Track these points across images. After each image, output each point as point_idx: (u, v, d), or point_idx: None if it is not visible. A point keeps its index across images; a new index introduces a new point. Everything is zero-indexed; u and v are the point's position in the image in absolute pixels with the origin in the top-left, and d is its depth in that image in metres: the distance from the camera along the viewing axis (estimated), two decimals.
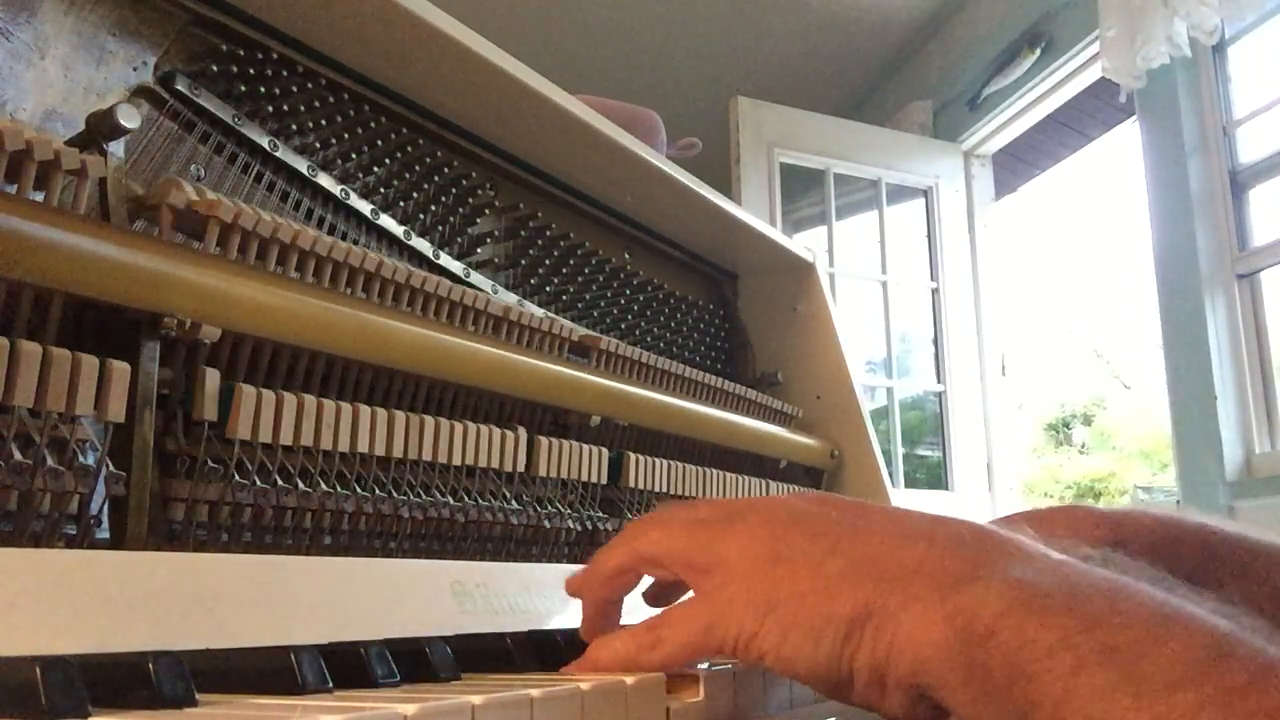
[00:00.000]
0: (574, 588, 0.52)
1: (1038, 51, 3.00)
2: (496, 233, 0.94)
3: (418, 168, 0.85)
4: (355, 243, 0.77)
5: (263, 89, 0.71)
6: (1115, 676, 0.32)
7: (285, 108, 0.73)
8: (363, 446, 0.61)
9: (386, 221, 0.81)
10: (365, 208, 0.79)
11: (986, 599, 0.36)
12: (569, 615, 0.64)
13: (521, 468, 0.73)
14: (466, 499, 0.70)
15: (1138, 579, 0.36)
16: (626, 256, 1.13)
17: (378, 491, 0.62)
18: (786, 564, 0.42)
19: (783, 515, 0.45)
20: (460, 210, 0.89)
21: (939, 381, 3.27)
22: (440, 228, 0.87)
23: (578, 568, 0.52)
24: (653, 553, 0.48)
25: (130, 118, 0.55)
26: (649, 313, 1.14)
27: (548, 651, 0.55)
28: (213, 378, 0.54)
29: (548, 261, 1.00)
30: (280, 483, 0.57)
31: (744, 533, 0.45)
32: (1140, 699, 0.31)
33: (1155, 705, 0.31)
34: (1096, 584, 0.36)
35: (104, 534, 0.49)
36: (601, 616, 0.52)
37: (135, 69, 0.63)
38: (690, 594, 0.47)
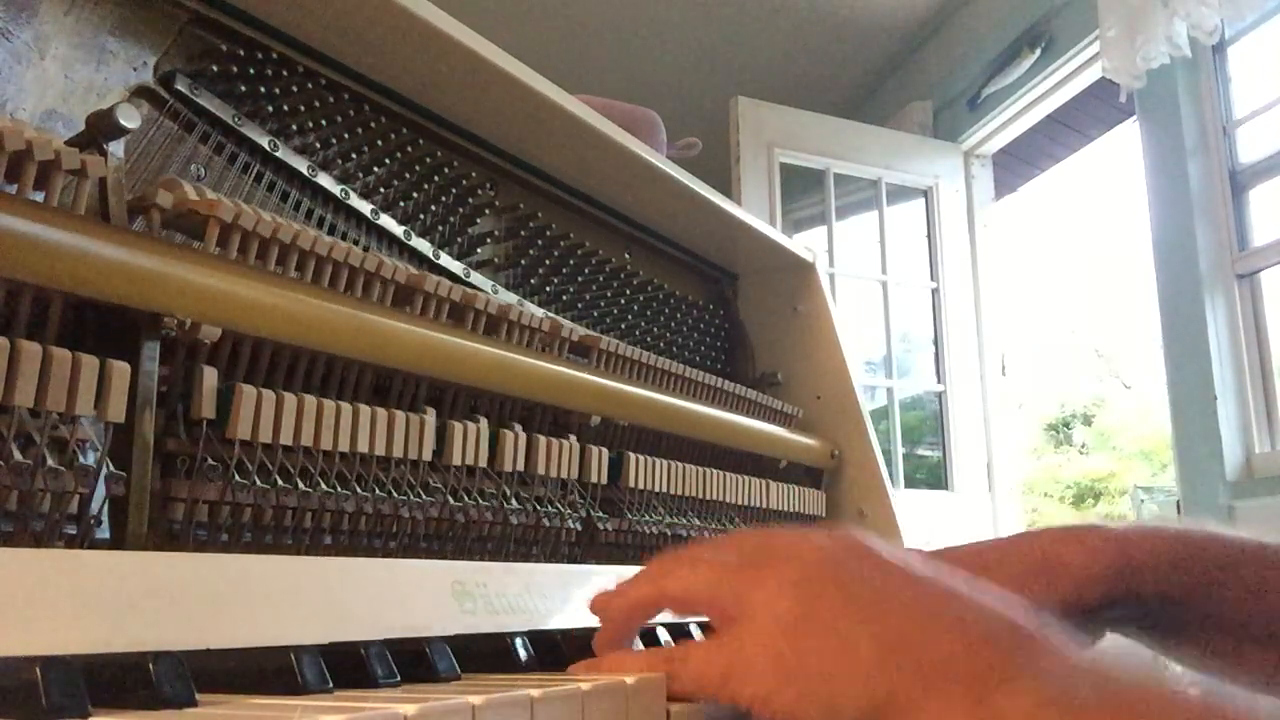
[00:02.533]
0: (596, 607, 0.52)
1: (1038, 51, 3.00)
2: (496, 233, 0.95)
3: (418, 168, 0.85)
4: (355, 243, 0.78)
5: (263, 89, 0.71)
6: None
7: (285, 108, 0.73)
8: (363, 446, 0.61)
9: (386, 221, 0.81)
10: (365, 208, 0.79)
11: (1017, 700, 0.36)
12: (569, 615, 0.64)
13: (521, 468, 0.73)
14: (466, 499, 0.70)
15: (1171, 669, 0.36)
16: (626, 256, 1.13)
17: (378, 491, 0.62)
18: (815, 628, 0.41)
19: (813, 568, 0.44)
20: (460, 210, 0.89)
21: (939, 381, 3.27)
22: (440, 228, 0.87)
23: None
24: (678, 593, 0.48)
25: (130, 118, 0.55)
26: (649, 313, 1.14)
27: (547, 651, 0.55)
28: (212, 377, 0.54)
29: (548, 261, 1.00)
30: (280, 483, 0.57)
31: (772, 583, 0.44)
32: None
33: None
34: (1131, 678, 0.36)
35: (104, 534, 0.49)
36: (619, 636, 0.52)
37: (135, 69, 0.63)
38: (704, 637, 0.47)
